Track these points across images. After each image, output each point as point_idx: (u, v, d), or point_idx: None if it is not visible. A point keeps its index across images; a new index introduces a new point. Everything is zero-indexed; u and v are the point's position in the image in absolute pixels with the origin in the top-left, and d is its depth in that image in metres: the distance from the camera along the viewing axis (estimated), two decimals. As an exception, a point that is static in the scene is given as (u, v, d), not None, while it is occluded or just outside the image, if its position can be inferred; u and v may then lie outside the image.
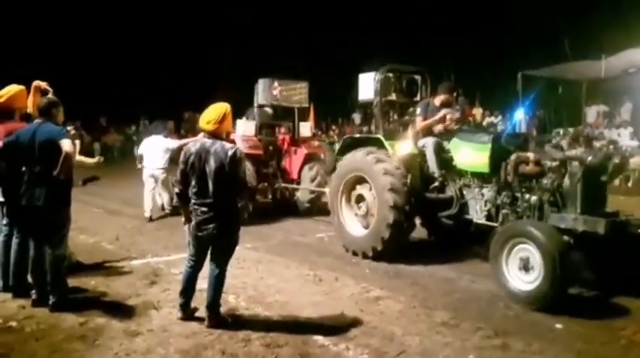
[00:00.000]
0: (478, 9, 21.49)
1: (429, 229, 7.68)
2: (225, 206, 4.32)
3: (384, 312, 4.86)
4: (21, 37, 24.42)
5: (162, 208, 9.73)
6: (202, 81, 22.92)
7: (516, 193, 5.79)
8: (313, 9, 25.14)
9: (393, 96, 7.63)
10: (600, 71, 14.48)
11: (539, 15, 18.80)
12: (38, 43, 24.13)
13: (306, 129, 10.70)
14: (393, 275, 6.07)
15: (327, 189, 8.33)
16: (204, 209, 4.29)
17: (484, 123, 18.34)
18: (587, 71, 15.27)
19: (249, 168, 8.34)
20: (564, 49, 16.03)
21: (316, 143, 10.83)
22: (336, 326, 4.47)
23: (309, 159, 9.87)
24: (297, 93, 10.24)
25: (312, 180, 9.60)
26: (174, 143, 9.53)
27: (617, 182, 14.26)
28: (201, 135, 4.45)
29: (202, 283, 4.55)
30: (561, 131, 16.41)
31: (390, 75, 7.50)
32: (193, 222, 4.37)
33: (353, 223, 7.05)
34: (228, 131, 4.62)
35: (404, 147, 6.77)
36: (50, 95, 5.30)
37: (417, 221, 7.12)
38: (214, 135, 4.39)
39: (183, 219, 4.53)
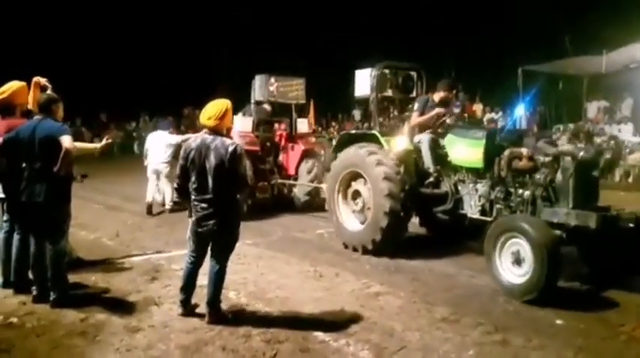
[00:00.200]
0: (478, 5, 21.43)
1: (424, 224, 7.74)
2: (226, 202, 4.32)
3: (384, 308, 4.86)
4: (21, 33, 24.40)
5: (163, 204, 9.76)
6: (202, 79, 22.91)
7: (510, 188, 5.87)
8: (313, 9, 25.10)
9: (389, 93, 7.69)
10: (601, 66, 14.46)
11: (539, 10, 18.76)
12: (39, 40, 24.10)
13: (303, 125, 10.71)
14: (394, 270, 6.08)
15: (324, 185, 8.34)
16: (204, 205, 4.29)
17: (485, 120, 18.32)
18: (587, 66, 15.25)
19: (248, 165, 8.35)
20: (565, 44, 16.00)
21: (313, 139, 10.87)
22: (337, 322, 4.48)
23: (306, 155, 9.90)
24: (294, 89, 10.26)
25: (310, 176, 9.62)
26: (176, 139, 9.70)
27: (617, 178, 14.30)
28: (203, 131, 4.45)
29: (203, 279, 4.56)
30: (561, 127, 16.40)
31: (386, 71, 7.55)
32: (193, 218, 4.38)
33: (351, 219, 7.10)
34: (228, 127, 4.62)
35: (399, 143, 6.84)
36: (49, 91, 5.30)
37: (415, 219, 7.15)
38: (215, 131, 4.39)
39: (188, 213, 4.53)
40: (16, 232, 5.07)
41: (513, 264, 5.08)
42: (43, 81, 5.49)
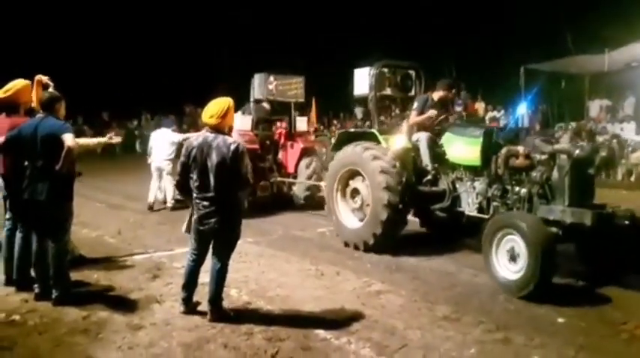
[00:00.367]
0: (479, 4, 21.38)
1: (422, 222, 7.80)
2: (227, 200, 4.32)
3: (385, 306, 4.87)
4: (24, 32, 24.42)
5: (164, 202, 9.80)
6: (203, 78, 22.92)
7: (507, 186, 5.93)
8: (313, 9, 25.07)
9: (388, 91, 7.73)
10: (603, 65, 14.44)
11: (541, 9, 18.72)
12: (40, 39, 24.12)
13: (302, 123, 10.76)
14: (395, 269, 6.08)
15: (323, 183, 8.37)
16: (205, 203, 4.30)
17: (487, 118, 18.30)
18: (590, 65, 15.22)
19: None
20: (567, 43, 15.98)
21: (312, 137, 10.90)
22: (338, 320, 4.49)
23: (305, 153, 9.93)
24: (293, 88, 10.30)
25: (309, 175, 9.65)
26: (178, 136, 9.80)
27: (619, 176, 14.28)
28: (205, 129, 4.45)
29: (204, 277, 4.56)
30: (563, 125, 16.38)
31: (385, 70, 7.60)
32: (195, 216, 4.38)
33: (350, 217, 7.14)
34: (230, 125, 4.62)
35: (398, 141, 6.89)
36: (51, 89, 5.31)
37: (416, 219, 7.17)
38: (217, 129, 4.39)
39: (190, 211, 4.54)
40: (18, 230, 5.08)
41: (509, 260, 5.14)
42: (45, 79, 5.49)
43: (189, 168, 4.36)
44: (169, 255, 6.50)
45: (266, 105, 10.32)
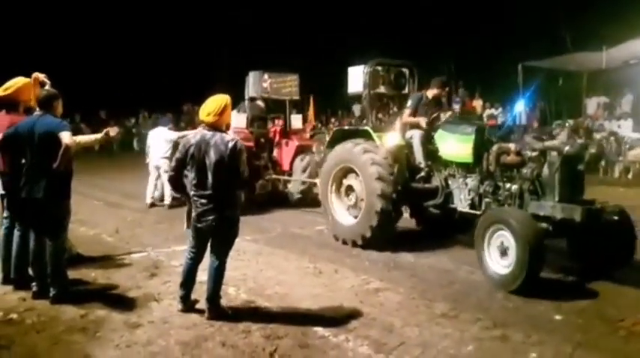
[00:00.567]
0: (478, 2, 21.36)
1: (415, 218, 7.86)
2: (225, 198, 4.32)
3: (383, 304, 4.87)
4: (21, 30, 24.35)
5: (161, 200, 9.81)
6: (202, 78, 22.89)
7: (498, 182, 6.01)
8: (313, 9, 25.04)
9: (382, 89, 7.79)
10: (601, 62, 14.45)
11: (539, 6, 18.72)
12: (38, 37, 24.06)
13: (297, 121, 10.79)
14: (393, 267, 6.09)
15: (318, 181, 8.40)
16: (203, 201, 4.29)
17: (484, 116, 18.31)
18: (587, 62, 15.24)
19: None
20: (565, 40, 15.99)
21: (307, 135, 10.94)
22: (336, 318, 4.49)
23: (300, 150, 9.94)
24: (288, 85, 10.32)
25: (304, 172, 9.66)
26: (174, 134, 9.83)
27: (617, 174, 14.30)
28: (201, 127, 4.44)
29: (202, 275, 4.56)
30: (560, 122, 16.40)
31: (379, 68, 7.66)
32: (193, 214, 4.38)
33: (344, 214, 7.20)
34: (227, 123, 4.61)
35: (391, 138, 6.95)
36: (48, 87, 5.29)
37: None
38: (214, 127, 4.39)
39: (187, 209, 4.54)
40: (16, 228, 5.07)
41: (501, 256, 5.22)
42: (41, 77, 5.47)
43: (184, 164, 4.36)
44: (167, 253, 6.50)
45: (260, 103, 10.36)
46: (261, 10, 26.11)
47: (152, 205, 9.76)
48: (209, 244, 4.48)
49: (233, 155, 4.27)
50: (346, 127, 8.76)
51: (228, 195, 4.34)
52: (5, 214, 5.23)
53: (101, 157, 19.85)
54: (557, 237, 5.55)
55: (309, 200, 9.59)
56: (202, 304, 4.50)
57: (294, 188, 9.91)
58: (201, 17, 26.68)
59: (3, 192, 5.15)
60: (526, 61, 14.74)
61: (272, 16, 26.02)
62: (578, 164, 5.56)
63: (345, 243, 7.00)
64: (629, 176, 14.12)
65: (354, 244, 6.83)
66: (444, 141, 6.55)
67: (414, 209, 7.57)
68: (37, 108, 4.87)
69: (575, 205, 5.23)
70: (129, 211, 9.54)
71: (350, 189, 7.07)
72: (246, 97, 10.18)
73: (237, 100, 9.97)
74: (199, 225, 4.35)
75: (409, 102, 7.23)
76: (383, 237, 6.70)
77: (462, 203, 6.46)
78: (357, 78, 7.49)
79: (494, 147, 5.89)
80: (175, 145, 9.49)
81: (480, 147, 6.10)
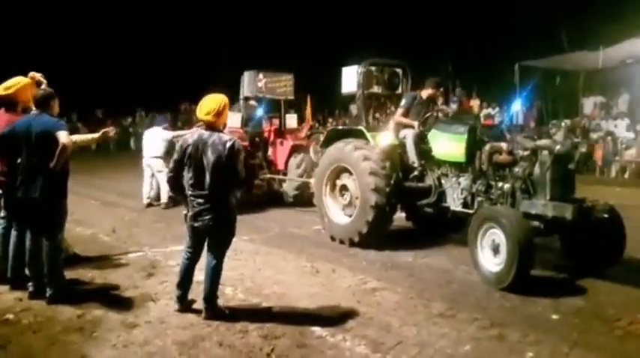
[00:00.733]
0: (476, 2, 21.38)
1: (409, 217, 7.91)
2: (222, 197, 4.31)
3: (381, 303, 4.87)
4: (18, 29, 24.27)
5: (157, 199, 9.80)
6: (201, 78, 22.88)
7: (490, 181, 6.07)
8: (313, 9, 25.03)
9: (376, 89, 7.83)
10: (598, 62, 14.48)
11: (536, 6, 18.74)
12: (35, 36, 23.99)
13: (292, 120, 10.82)
14: (390, 266, 6.09)
15: (312, 180, 8.42)
16: (200, 200, 4.29)
17: (481, 115, 18.34)
18: (584, 62, 15.26)
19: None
20: (562, 40, 16.00)
21: (302, 134, 10.96)
22: (334, 318, 4.49)
23: (295, 150, 9.95)
24: (283, 85, 10.34)
25: (299, 172, 9.66)
26: (168, 134, 9.85)
27: (613, 173, 14.35)
28: (196, 126, 4.43)
29: (199, 275, 4.55)
30: (556, 122, 16.42)
31: (373, 68, 7.71)
32: (190, 213, 4.37)
33: (338, 213, 7.23)
34: (224, 123, 4.60)
35: (385, 138, 7.02)
36: (44, 86, 5.27)
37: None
38: (212, 126, 4.38)
39: (184, 208, 4.53)
40: (13, 228, 5.05)
41: (494, 254, 5.28)
42: (37, 76, 5.46)
43: (182, 165, 4.35)
44: (164, 253, 6.48)
45: (253, 102, 10.39)
46: (261, 10, 26.09)
47: (149, 205, 9.77)
48: (206, 244, 4.47)
49: (231, 155, 4.26)
50: (340, 127, 8.82)
51: (226, 195, 4.34)
52: (2, 214, 5.22)
53: (98, 157, 19.82)
54: (548, 234, 5.64)
55: (304, 199, 9.58)
56: (199, 304, 4.49)
57: (288, 188, 9.92)
58: (201, 17, 26.65)
59: (0, 192, 5.13)
60: (523, 61, 14.76)
61: (272, 16, 25.99)
62: (569, 163, 5.64)
63: (342, 242, 7.00)
64: (626, 176, 14.17)
65: (351, 242, 6.84)
66: (437, 141, 6.60)
67: (407, 208, 7.62)
68: (34, 108, 4.85)
69: (566, 203, 5.30)
70: (126, 211, 9.52)
71: (344, 188, 7.13)
72: (241, 97, 10.21)
73: (234, 100, 9.99)
74: (196, 225, 4.34)
75: (402, 102, 7.30)
76: (379, 232, 6.74)
77: (454, 202, 6.53)
78: (350, 78, 7.57)
79: (487, 147, 5.95)
80: (170, 145, 9.51)
81: (473, 147, 6.16)
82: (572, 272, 5.68)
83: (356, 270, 5.89)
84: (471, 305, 4.85)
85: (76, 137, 5.31)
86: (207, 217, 4.28)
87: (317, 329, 4.23)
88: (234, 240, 4.56)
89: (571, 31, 16.48)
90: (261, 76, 10.02)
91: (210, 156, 4.25)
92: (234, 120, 9.81)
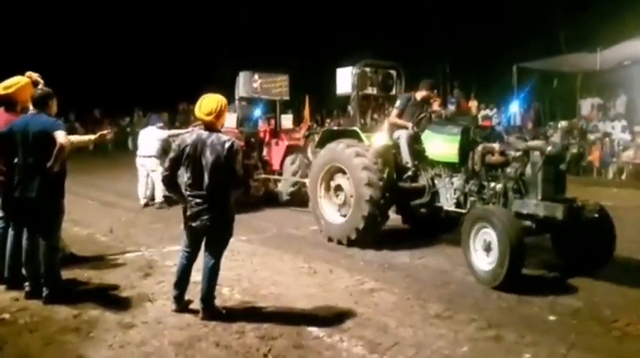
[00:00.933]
0: (474, 3, 21.41)
1: (403, 217, 7.94)
2: (220, 198, 4.31)
3: (378, 304, 4.87)
4: (15, 29, 24.22)
5: (152, 198, 9.80)
6: (202, 78, 22.87)
7: (483, 181, 6.14)
8: (313, 9, 25.05)
9: (370, 90, 7.89)
10: (595, 64, 14.51)
11: (534, 8, 18.78)
12: (33, 35, 23.94)
13: (287, 121, 10.86)
14: (387, 267, 6.08)
15: (307, 180, 8.44)
16: (198, 200, 4.28)
17: (479, 116, 18.36)
18: (582, 64, 15.29)
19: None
20: (560, 41, 16.03)
21: (298, 134, 11.01)
22: (331, 318, 4.49)
23: (290, 150, 9.96)
24: (278, 85, 10.39)
25: (294, 172, 9.68)
26: (163, 133, 9.85)
27: (611, 175, 14.37)
28: (193, 126, 4.43)
29: (197, 276, 4.54)
30: (552, 124, 16.45)
31: (367, 69, 7.76)
32: (188, 213, 4.36)
33: (333, 213, 7.27)
34: (222, 124, 4.60)
35: (379, 139, 7.06)
36: (41, 86, 5.26)
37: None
38: (211, 127, 4.37)
39: (182, 208, 4.52)
40: (10, 228, 5.04)
41: (487, 253, 5.34)
42: (35, 76, 5.45)
43: (179, 164, 4.35)
44: (161, 253, 6.48)
45: (244, 103, 10.43)
46: (261, 10, 26.09)
47: (146, 205, 9.76)
48: (203, 244, 4.47)
49: (230, 155, 4.26)
50: (335, 128, 8.87)
51: (224, 195, 4.33)
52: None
53: (95, 156, 19.79)
54: (540, 234, 5.72)
55: (299, 199, 9.57)
56: (196, 304, 4.49)
57: (283, 187, 9.92)
58: (201, 17, 26.63)
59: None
60: (521, 62, 14.79)
61: (271, 16, 25.99)
62: (560, 163, 5.68)
63: (340, 243, 7.00)
64: (623, 177, 14.19)
65: (349, 241, 6.85)
66: (431, 142, 6.66)
67: (402, 209, 7.65)
68: (32, 107, 4.84)
69: (557, 203, 5.36)
70: (123, 211, 9.51)
71: (338, 188, 7.16)
72: (237, 97, 10.23)
73: (230, 100, 9.98)
74: (194, 225, 4.34)
75: (397, 103, 7.38)
76: (376, 227, 6.79)
77: (448, 202, 6.59)
78: (345, 79, 7.64)
79: (479, 147, 6.00)
80: (165, 144, 9.51)
81: (466, 147, 6.21)
82: (569, 272, 5.69)
83: (353, 271, 5.88)
84: (468, 306, 4.85)
85: (74, 138, 5.30)
86: (205, 217, 4.27)
87: (314, 330, 4.23)
88: (231, 240, 4.55)
89: (568, 32, 16.53)
90: (256, 76, 10.06)
91: (208, 157, 4.24)
92: (229, 120, 9.84)
